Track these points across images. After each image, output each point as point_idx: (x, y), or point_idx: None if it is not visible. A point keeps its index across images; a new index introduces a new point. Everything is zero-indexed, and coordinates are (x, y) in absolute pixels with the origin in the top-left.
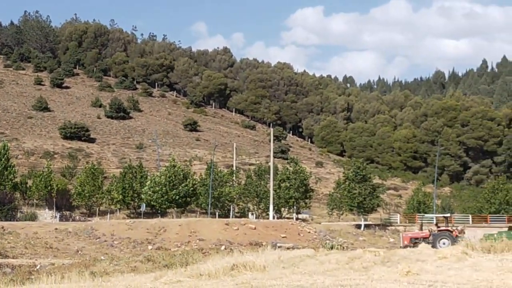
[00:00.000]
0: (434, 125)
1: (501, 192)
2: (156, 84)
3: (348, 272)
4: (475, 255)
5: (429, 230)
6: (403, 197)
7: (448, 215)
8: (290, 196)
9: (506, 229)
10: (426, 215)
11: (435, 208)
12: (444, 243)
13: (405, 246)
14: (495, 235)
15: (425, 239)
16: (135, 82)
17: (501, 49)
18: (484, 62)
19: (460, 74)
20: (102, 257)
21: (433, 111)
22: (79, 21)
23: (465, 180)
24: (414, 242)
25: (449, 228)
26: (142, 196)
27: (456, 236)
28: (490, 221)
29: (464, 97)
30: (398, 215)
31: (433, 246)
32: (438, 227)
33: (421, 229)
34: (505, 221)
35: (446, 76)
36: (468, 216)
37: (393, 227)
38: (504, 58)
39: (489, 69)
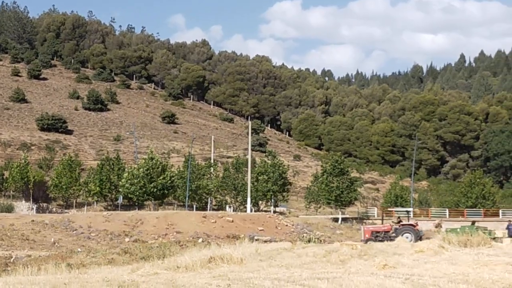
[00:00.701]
0: (412, 119)
1: (477, 186)
2: (134, 76)
3: (325, 265)
4: (452, 249)
5: (390, 224)
6: (380, 191)
7: (410, 209)
8: (267, 189)
9: (470, 223)
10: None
11: (412, 202)
12: (407, 237)
13: (367, 240)
14: (458, 230)
15: (386, 233)
16: (113, 74)
17: (478, 44)
18: (462, 56)
19: (438, 69)
20: (79, 249)
21: (411, 105)
22: (57, 12)
23: (442, 174)
24: (375, 236)
25: (412, 223)
26: (120, 188)
27: (418, 230)
28: (467, 215)
29: (442, 92)
30: (376, 208)
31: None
32: (399, 221)
33: (398, 222)
34: (481, 215)
35: (424, 70)
36: (445, 210)
37: (370, 221)
38: (482, 52)
39: (466, 64)
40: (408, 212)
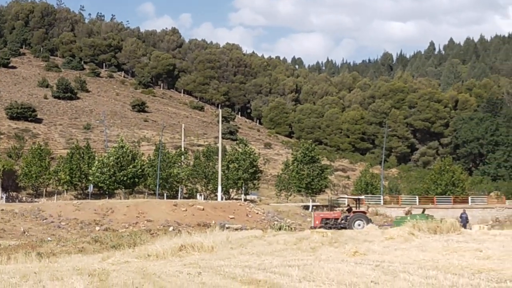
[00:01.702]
0: (382, 106)
1: (447, 174)
2: (104, 64)
3: (296, 253)
4: (422, 235)
5: (341, 211)
6: (351, 178)
7: (362, 197)
8: (238, 177)
9: (421, 211)
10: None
11: (383, 189)
12: (359, 225)
13: (318, 227)
14: (408, 218)
15: (336, 220)
16: (82, 62)
17: (447, 32)
18: (432, 44)
19: (407, 56)
20: (49, 238)
21: (381, 93)
22: (25, 0)
23: (412, 161)
24: (325, 222)
25: (364, 210)
26: (90, 177)
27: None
28: (437, 202)
29: (412, 79)
30: (346, 196)
31: (348, 228)
32: (350, 209)
33: (349, 209)
34: (451, 202)
35: (394, 58)
36: (415, 197)
37: (341, 208)
38: (451, 40)
39: (436, 51)
40: (359, 199)
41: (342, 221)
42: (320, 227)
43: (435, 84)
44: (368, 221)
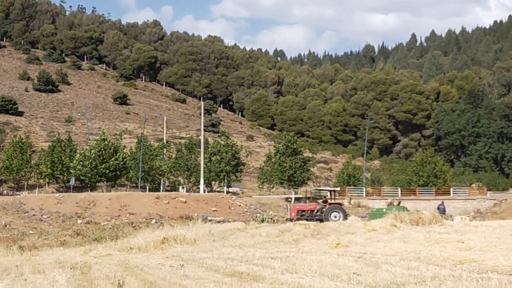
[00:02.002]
0: (364, 98)
1: (429, 165)
2: (85, 57)
3: (279, 245)
4: (404, 227)
5: (316, 203)
6: (333, 170)
7: (338, 189)
8: (221, 170)
9: (396, 202)
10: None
11: (365, 181)
12: (335, 217)
13: (295, 219)
14: (384, 210)
15: (312, 211)
16: (63, 55)
17: (429, 24)
18: (413, 36)
19: (389, 48)
20: (31, 232)
21: (363, 85)
22: None
23: (395, 153)
24: (301, 214)
25: (340, 202)
26: (71, 170)
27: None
28: (419, 193)
29: (394, 71)
30: (328, 188)
31: (325, 220)
32: (326, 201)
33: (325, 201)
34: (433, 193)
35: (376, 50)
36: (397, 189)
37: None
38: (433, 32)
39: (418, 43)
40: (334, 191)
41: (318, 213)
42: (297, 219)
43: (417, 76)
44: (345, 213)
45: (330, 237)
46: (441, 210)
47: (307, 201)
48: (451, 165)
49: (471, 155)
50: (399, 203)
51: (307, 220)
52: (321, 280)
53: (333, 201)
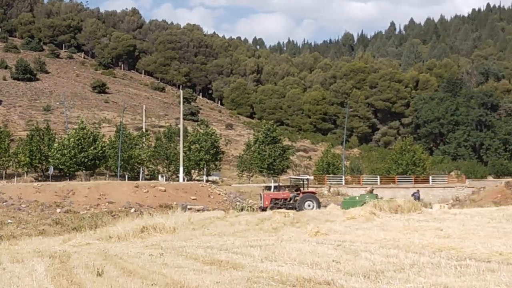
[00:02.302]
0: (343, 87)
1: (408, 153)
2: (64, 45)
3: (258, 233)
4: (383, 215)
5: (289, 191)
6: (312, 159)
7: (312, 177)
8: (200, 158)
9: (369, 191)
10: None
11: (344, 169)
12: (309, 205)
13: (269, 207)
14: (357, 198)
15: (285, 200)
16: (41, 43)
17: (408, 12)
18: (392, 24)
19: (368, 37)
20: (9, 221)
21: (342, 73)
22: None
23: (374, 141)
24: (275, 203)
25: (313, 190)
26: (50, 159)
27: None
28: (398, 181)
29: (373, 59)
30: (307, 176)
31: (298, 208)
32: (298, 189)
33: (297, 190)
34: (412, 181)
35: (355, 38)
36: (377, 177)
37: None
38: (412, 20)
39: (397, 32)
40: (307, 180)
41: (291, 201)
42: (271, 208)
43: (396, 64)
44: (318, 201)
45: (310, 225)
46: (416, 197)
47: (287, 189)
48: (430, 153)
49: (449, 143)
50: (372, 191)
51: (280, 208)
52: (301, 268)
53: (306, 189)
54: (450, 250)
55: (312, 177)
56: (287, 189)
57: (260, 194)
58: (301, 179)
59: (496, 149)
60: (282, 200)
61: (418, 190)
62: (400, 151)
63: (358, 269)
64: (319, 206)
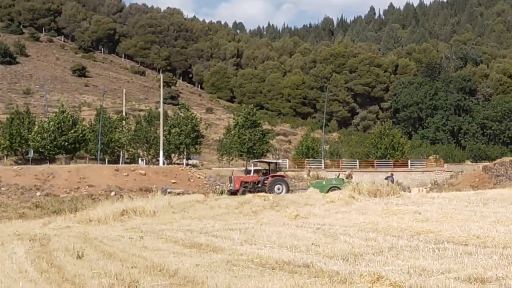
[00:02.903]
0: (323, 71)
1: (387, 137)
2: (44, 28)
3: (238, 217)
4: (362, 199)
5: (258, 175)
6: (292, 143)
7: (280, 161)
8: (180, 142)
9: (338, 175)
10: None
11: (324, 153)
12: (278, 189)
13: (240, 191)
14: (324, 182)
15: (254, 183)
16: (21, 27)
17: None
18: (372, 9)
19: (348, 21)
20: None
21: (322, 57)
22: None
23: (353, 125)
24: (244, 186)
25: (282, 174)
26: (30, 142)
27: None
28: (377, 166)
29: (352, 44)
30: (288, 160)
31: (268, 192)
32: (266, 172)
33: (265, 173)
34: (390, 165)
35: (335, 23)
36: (356, 161)
37: (282, 172)
38: (391, 5)
39: (376, 16)
40: (276, 163)
41: (259, 185)
42: (242, 192)
43: (375, 49)
44: (288, 185)
45: (289, 208)
46: (391, 181)
47: (260, 173)
48: (409, 138)
49: (428, 128)
50: (339, 175)
51: (250, 192)
52: (280, 251)
53: (275, 173)
54: (428, 233)
55: (281, 161)
56: (259, 173)
57: (230, 177)
58: (267, 162)
59: (474, 134)
60: (251, 183)
61: (392, 174)
62: (379, 135)
63: (337, 252)
64: (288, 190)
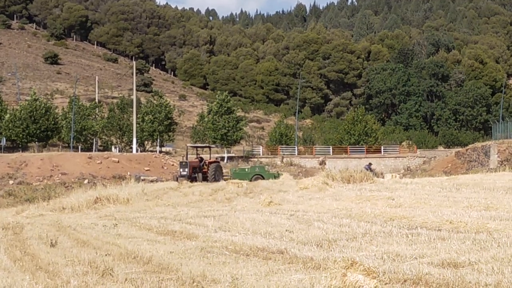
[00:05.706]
0: (296, 58)
1: (360, 124)
2: (15, 16)
3: (212, 204)
4: (336, 185)
5: (198, 160)
6: (265, 129)
7: (213, 146)
8: (153, 130)
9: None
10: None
11: (297, 140)
12: (213, 175)
13: (192, 176)
14: (247, 170)
15: (194, 168)
16: None
17: None
18: None
19: (321, 8)
20: None
21: (294, 44)
22: None
23: (326, 112)
24: (193, 171)
25: (217, 159)
26: (2, 130)
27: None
28: (350, 152)
29: (325, 30)
30: (261, 147)
31: (214, 179)
32: (201, 159)
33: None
34: (364, 151)
35: (308, 9)
36: (329, 147)
37: (255, 159)
38: None
39: (349, 3)
40: (210, 147)
41: (197, 170)
42: (192, 178)
43: (348, 35)
44: (221, 171)
45: (263, 195)
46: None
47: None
48: (382, 124)
49: (401, 114)
50: (261, 162)
51: (189, 178)
52: (254, 237)
53: (209, 159)
54: (401, 219)
55: (214, 146)
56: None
57: (181, 162)
58: (200, 147)
59: (447, 119)
60: (197, 168)
61: (370, 163)
62: (352, 122)
63: (311, 238)
64: (221, 175)
